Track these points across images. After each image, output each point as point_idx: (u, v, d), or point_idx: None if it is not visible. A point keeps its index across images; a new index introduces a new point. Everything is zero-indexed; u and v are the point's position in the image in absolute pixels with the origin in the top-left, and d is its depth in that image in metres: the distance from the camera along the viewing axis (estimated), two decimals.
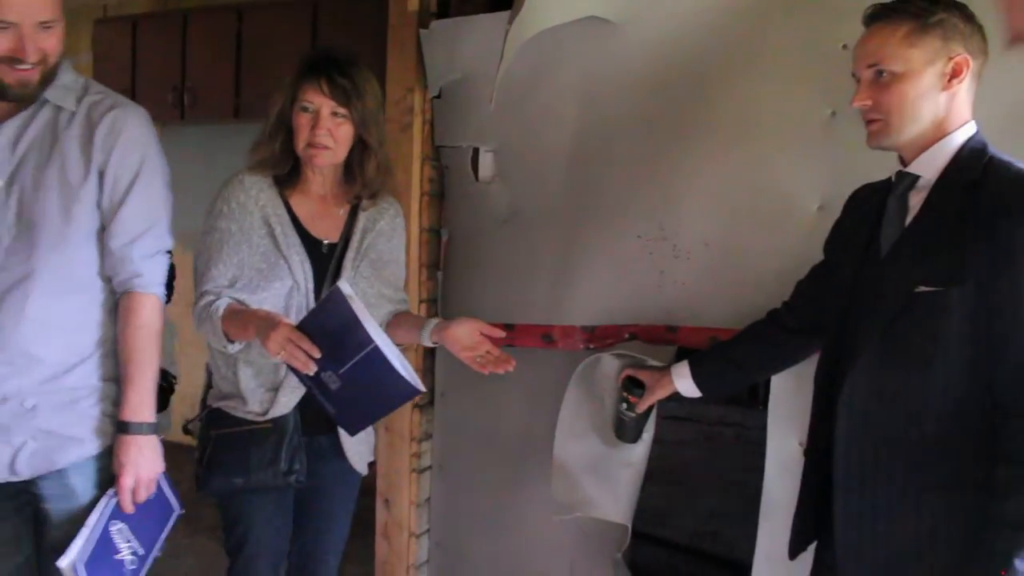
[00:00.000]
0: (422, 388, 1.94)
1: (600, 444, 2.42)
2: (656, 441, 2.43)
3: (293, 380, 2.05)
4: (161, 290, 1.91)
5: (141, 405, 1.84)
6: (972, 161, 1.64)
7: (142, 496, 1.86)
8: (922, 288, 1.62)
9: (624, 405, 2.26)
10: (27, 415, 1.78)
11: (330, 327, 1.88)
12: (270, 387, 2.11)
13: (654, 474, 2.89)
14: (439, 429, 2.88)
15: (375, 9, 2.96)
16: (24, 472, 1.78)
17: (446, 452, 2.88)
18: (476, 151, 2.70)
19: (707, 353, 2.18)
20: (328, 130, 2.09)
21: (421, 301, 2.75)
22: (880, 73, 1.65)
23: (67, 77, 1.81)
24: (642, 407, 2.24)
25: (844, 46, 2.06)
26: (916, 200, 1.70)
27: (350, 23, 3.81)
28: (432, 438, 2.89)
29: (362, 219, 2.22)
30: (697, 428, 3.78)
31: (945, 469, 1.61)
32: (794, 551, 1.90)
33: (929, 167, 1.68)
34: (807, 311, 1.99)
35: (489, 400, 2.73)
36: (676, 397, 2.22)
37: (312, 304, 2.11)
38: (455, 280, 2.80)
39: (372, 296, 2.20)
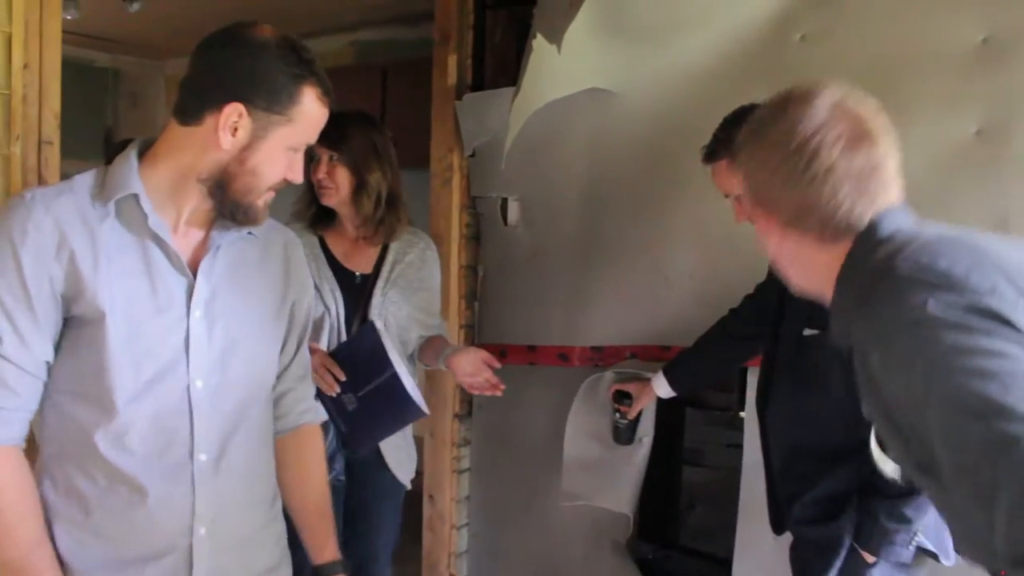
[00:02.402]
0: (427, 412, 2.31)
1: (604, 446, 2.80)
2: (712, 467, 2.74)
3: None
4: None
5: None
6: None
7: None
8: (807, 332, 1.99)
9: (617, 415, 2.65)
10: None
11: (359, 356, 2.22)
12: None
13: (705, 497, 3.24)
14: (476, 436, 3.26)
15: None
16: None
17: (482, 456, 3.25)
18: (505, 200, 3.10)
19: (676, 361, 2.55)
20: (326, 173, 2.37)
21: (461, 327, 3.17)
22: (738, 199, 2.01)
23: None
24: (632, 414, 2.62)
25: None
26: None
27: (413, 86, 3.98)
28: (470, 444, 3.26)
29: (392, 252, 2.47)
30: None
31: (853, 467, 1.96)
32: (776, 529, 2.22)
33: None
34: (749, 322, 2.36)
35: (518, 411, 3.11)
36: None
37: (342, 328, 2.37)
38: (489, 309, 3.20)
39: (403, 319, 2.44)
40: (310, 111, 1.43)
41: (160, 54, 5.74)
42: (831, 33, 2.51)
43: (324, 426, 2.32)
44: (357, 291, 2.45)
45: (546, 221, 3.04)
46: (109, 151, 2.75)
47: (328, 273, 2.42)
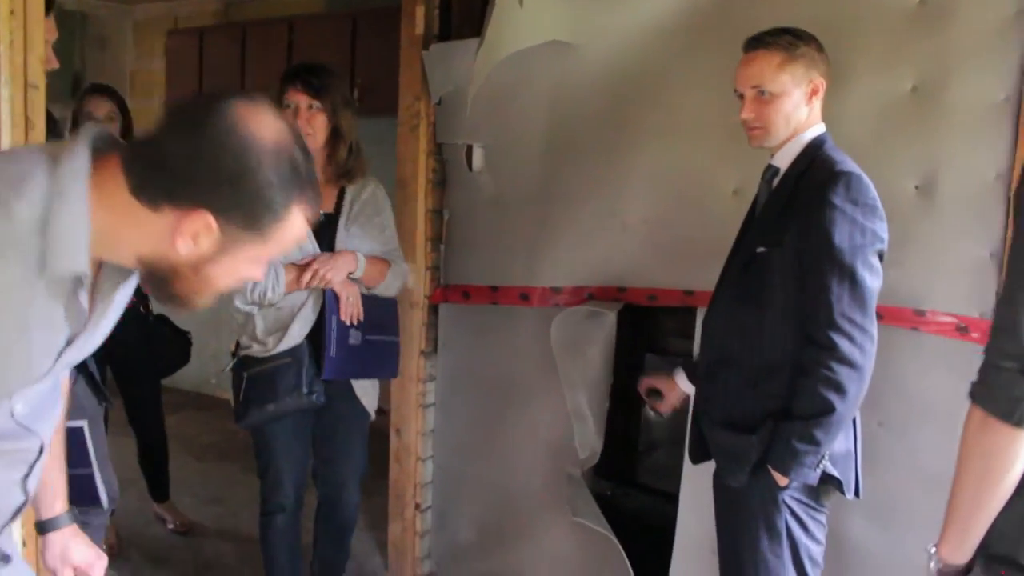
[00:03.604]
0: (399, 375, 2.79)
1: (580, 391, 2.95)
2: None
3: (305, 313, 2.59)
4: None
5: None
6: (808, 155, 2.13)
7: None
8: (759, 249, 2.14)
9: (653, 413, 2.75)
10: None
11: (376, 311, 2.70)
12: (280, 328, 2.61)
13: (664, 439, 3.40)
14: (441, 372, 3.39)
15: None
16: None
17: (446, 391, 3.39)
18: (470, 147, 3.20)
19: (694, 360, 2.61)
20: (306, 120, 2.57)
21: (427, 268, 3.30)
22: (762, 93, 2.12)
23: None
24: (666, 411, 2.61)
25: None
26: (775, 184, 2.21)
27: (382, 35, 4.13)
28: (435, 380, 3.40)
29: (349, 194, 2.72)
30: None
31: (774, 386, 2.10)
32: (694, 458, 2.38)
33: (784, 160, 2.17)
34: None
35: (480, 348, 3.26)
36: None
37: None
38: (454, 251, 3.33)
39: (365, 251, 2.68)
40: (291, 229, 1.18)
41: None
42: None
43: (299, 357, 2.60)
44: (322, 228, 2.66)
45: (509, 167, 3.16)
46: (57, 124, 2.84)
47: None
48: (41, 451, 1.36)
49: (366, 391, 2.79)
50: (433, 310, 3.36)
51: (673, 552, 2.86)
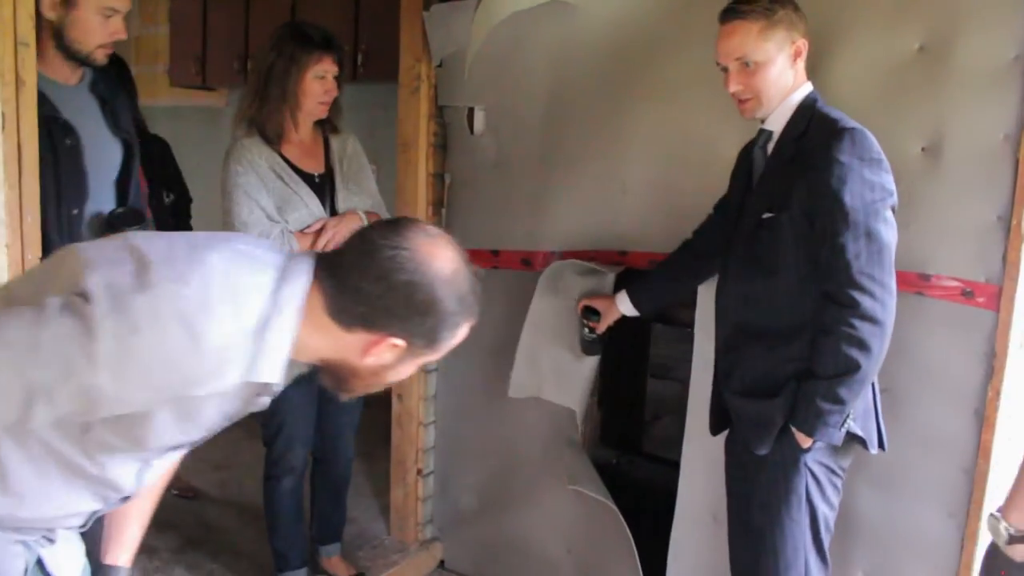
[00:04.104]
0: None
1: (558, 343, 2.93)
2: (677, 380, 2.87)
3: None
4: None
5: None
6: (803, 115, 2.12)
7: None
8: (766, 215, 2.13)
9: (585, 330, 2.77)
10: None
11: None
12: None
13: (670, 408, 3.39)
14: None
15: None
16: None
17: (448, 356, 3.28)
18: (471, 110, 3.16)
19: (639, 282, 2.65)
20: (332, 86, 2.67)
21: None
22: (746, 64, 2.10)
23: None
24: (600, 329, 2.72)
25: None
26: (771, 149, 2.20)
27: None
28: None
29: (335, 149, 2.76)
30: None
31: (794, 349, 2.11)
32: (714, 430, 2.40)
33: (777, 123, 2.16)
34: (710, 237, 2.49)
35: (482, 313, 3.12)
36: None
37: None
38: (455, 215, 3.30)
39: (360, 204, 2.77)
40: (459, 339, 1.38)
41: None
42: None
43: None
44: (320, 190, 2.70)
45: (510, 130, 3.12)
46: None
47: (298, 179, 2.66)
48: (124, 499, 1.45)
49: None
50: None
51: (674, 518, 2.84)
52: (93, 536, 1.59)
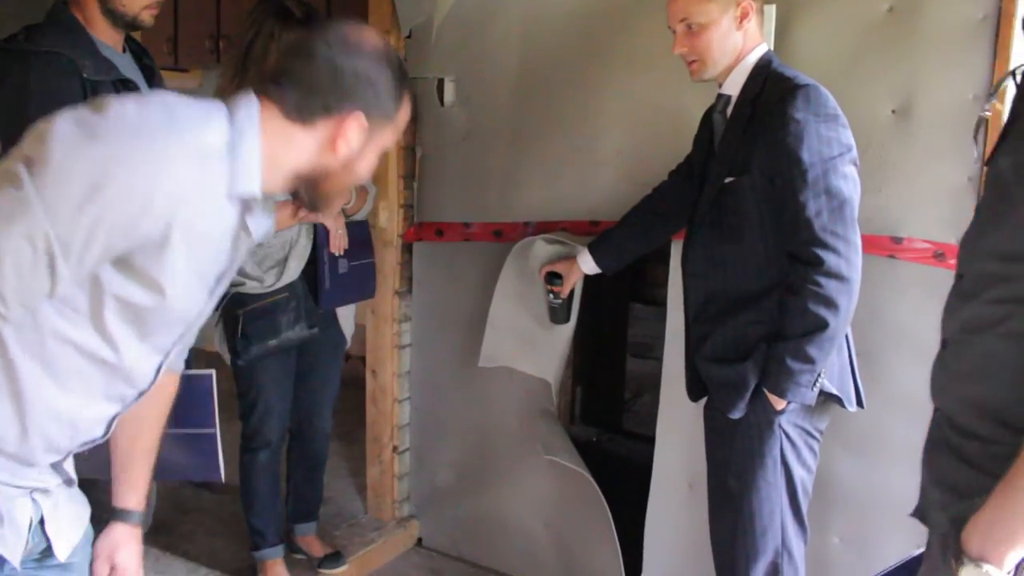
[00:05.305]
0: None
1: (528, 312, 2.91)
2: (657, 359, 2.81)
3: (299, 249, 2.66)
4: None
5: None
6: (758, 76, 2.11)
7: None
8: (728, 179, 2.12)
9: (551, 296, 2.76)
10: None
11: (355, 238, 2.82)
12: (275, 264, 2.66)
13: (650, 387, 3.36)
14: (416, 312, 3.35)
15: None
16: None
17: (422, 331, 3.36)
18: (441, 81, 3.13)
19: (600, 239, 2.62)
20: None
21: (400, 206, 3.24)
22: (690, 26, 2.10)
23: None
24: (564, 292, 2.70)
25: None
26: (730, 113, 2.18)
27: None
28: (410, 320, 3.36)
29: None
30: None
31: (763, 311, 2.10)
32: (693, 396, 2.35)
33: (733, 87, 2.15)
34: (671, 196, 2.48)
35: (455, 287, 3.22)
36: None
37: None
38: (427, 188, 3.27)
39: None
40: (406, 111, 1.45)
41: None
42: None
43: (296, 291, 2.71)
44: None
45: (480, 101, 3.09)
46: None
47: None
48: (140, 395, 1.48)
49: (346, 317, 2.95)
50: (407, 249, 3.31)
51: (650, 487, 2.83)
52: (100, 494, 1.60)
